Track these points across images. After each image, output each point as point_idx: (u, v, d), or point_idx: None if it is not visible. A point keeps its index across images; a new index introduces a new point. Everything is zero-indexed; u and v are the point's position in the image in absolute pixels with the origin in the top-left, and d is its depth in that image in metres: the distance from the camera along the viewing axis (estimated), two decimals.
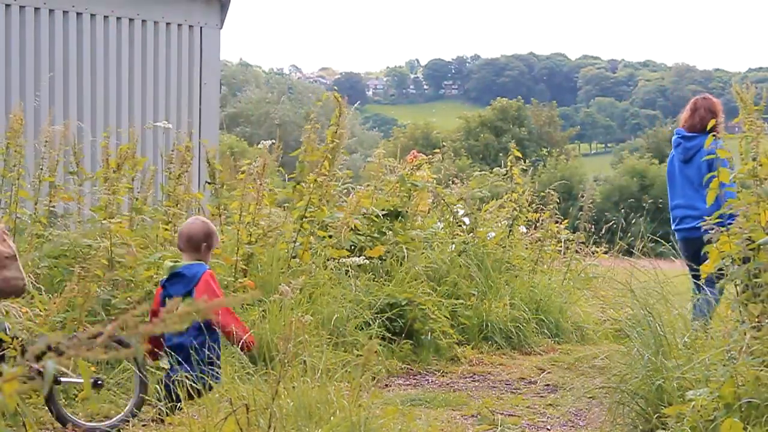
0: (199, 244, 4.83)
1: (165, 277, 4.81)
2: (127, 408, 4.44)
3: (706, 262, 4.30)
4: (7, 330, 4.18)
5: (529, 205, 8.56)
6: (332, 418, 3.58)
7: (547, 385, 6.00)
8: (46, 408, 4.26)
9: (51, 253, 5.72)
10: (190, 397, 4.08)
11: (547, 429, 4.90)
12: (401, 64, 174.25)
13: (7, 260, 4.15)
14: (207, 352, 4.44)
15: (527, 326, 7.26)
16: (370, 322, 6.17)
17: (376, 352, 5.08)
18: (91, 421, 4.39)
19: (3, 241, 4.21)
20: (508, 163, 8.78)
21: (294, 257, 6.46)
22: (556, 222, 8.95)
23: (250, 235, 6.32)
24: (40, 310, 4.79)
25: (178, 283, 4.73)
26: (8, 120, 7.31)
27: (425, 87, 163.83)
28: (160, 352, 4.70)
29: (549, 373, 6.33)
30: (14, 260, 4.19)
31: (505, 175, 9.08)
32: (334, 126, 6.90)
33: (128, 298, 5.35)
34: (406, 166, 8.23)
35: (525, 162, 9.03)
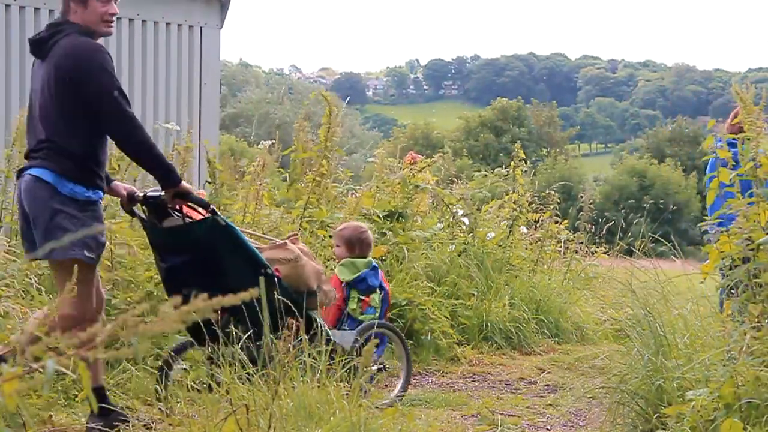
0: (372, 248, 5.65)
1: (364, 271, 5.38)
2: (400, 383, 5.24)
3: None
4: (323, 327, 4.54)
5: (528, 206, 8.55)
6: (332, 418, 3.58)
7: (547, 385, 6.00)
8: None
9: None
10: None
11: (547, 429, 4.90)
12: (401, 65, 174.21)
13: (323, 276, 4.71)
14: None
15: (527, 326, 7.26)
16: None
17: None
18: None
19: (314, 259, 4.75)
20: (512, 164, 8.76)
21: None
22: (556, 222, 8.94)
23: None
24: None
25: (374, 275, 5.42)
26: (8, 120, 7.32)
27: (425, 87, 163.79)
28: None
29: (549, 373, 6.33)
30: (324, 275, 4.77)
31: (506, 176, 9.07)
32: (326, 125, 6.91)
33: (128, 299, 5.35)
34: (406, 168, 8.23)
35: (525, 162, 9.02)
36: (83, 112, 4.00)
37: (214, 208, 4.29)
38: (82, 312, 3.95)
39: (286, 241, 4.66)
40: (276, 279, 4.37)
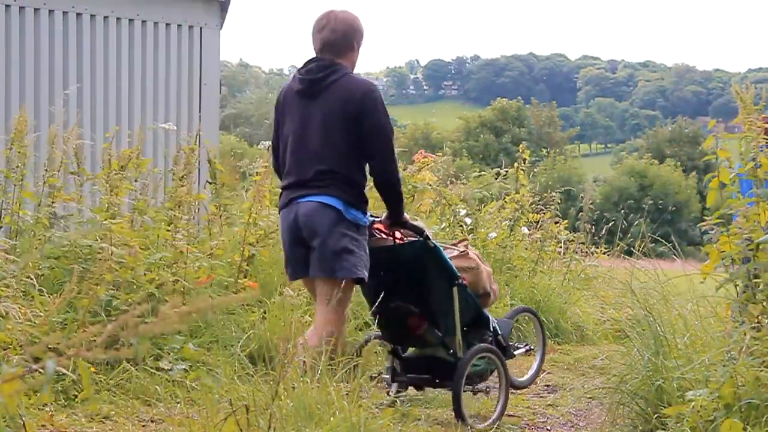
0: None
1: None
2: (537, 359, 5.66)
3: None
4: None
5: (529, 206, 8.54)
6: (332, 418, 3.58)
7: (547, 385, 6.00)
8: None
9: (51, 253, 5.71)
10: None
11: (547, 429, 4.90)
12: (401, 65, 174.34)
13: (492, 277, 5.16)
14: None
15: (527, 326, 7.26)
16: (370, 323, 6.17)
17: (375, 352, 5.08)
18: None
19: (484, 261, 5.20)
20: (516, 165, 8.73)
21: None
22: (557, 223, 8.94)
23: (251, 235, 6.31)
24: (40, 311, 4.79)
25: None
26: (8, 121, 7.31)
27: (425, 87, 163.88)
28: None
29: (549, 373, 6.33)
30: (492, 276, 5.22)
31: (505, 176, 9.06)
32: None
33: (129, 299, 5.34)
34: (418, 164, 8.22)
35: (524, 162, 9.02)
36: (360, 145, 4.36)
37: (428, 233, 4.69)
38: (342, 322, 4.47)
39: (466, 250, 5.06)
40: (465, 287, 4.79)
